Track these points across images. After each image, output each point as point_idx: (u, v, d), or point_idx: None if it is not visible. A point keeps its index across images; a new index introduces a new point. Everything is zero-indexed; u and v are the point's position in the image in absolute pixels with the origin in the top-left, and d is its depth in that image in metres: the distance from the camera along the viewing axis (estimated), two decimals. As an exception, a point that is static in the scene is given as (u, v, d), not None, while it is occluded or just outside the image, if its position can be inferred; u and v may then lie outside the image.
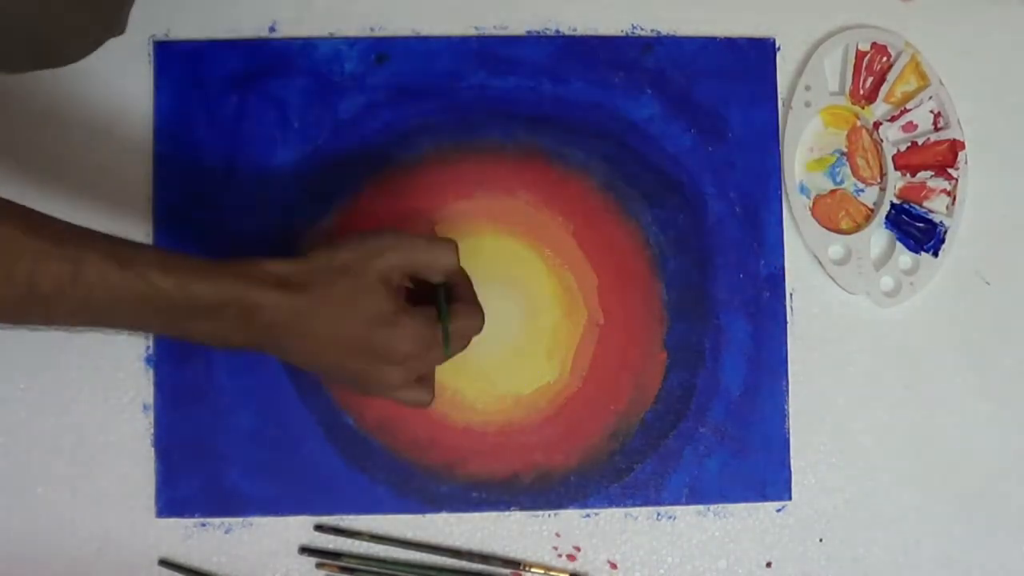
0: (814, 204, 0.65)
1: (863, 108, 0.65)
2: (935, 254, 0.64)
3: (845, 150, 0.65)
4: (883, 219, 0.65)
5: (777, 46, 0.66)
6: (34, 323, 0.49)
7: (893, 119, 0.65)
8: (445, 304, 0.53)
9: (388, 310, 0.51)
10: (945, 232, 0.64)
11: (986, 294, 0.65)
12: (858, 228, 0.65)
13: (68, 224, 0.48)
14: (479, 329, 0.55)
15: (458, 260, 0.54)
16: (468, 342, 0.55)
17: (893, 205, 0.64)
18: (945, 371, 0.65)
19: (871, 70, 0.65)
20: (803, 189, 0.65)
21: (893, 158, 0.65)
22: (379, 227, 0.53)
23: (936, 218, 0.64)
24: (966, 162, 0.65)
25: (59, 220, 0.48)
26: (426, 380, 0.55)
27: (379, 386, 0.53)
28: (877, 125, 0.65)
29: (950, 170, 0.65)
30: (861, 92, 0.65)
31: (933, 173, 0.65)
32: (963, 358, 0.65)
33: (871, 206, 0.65)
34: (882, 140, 0.65)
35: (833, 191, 0.65)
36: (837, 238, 0.64)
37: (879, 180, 0.65)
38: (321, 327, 0.50)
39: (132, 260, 0.48)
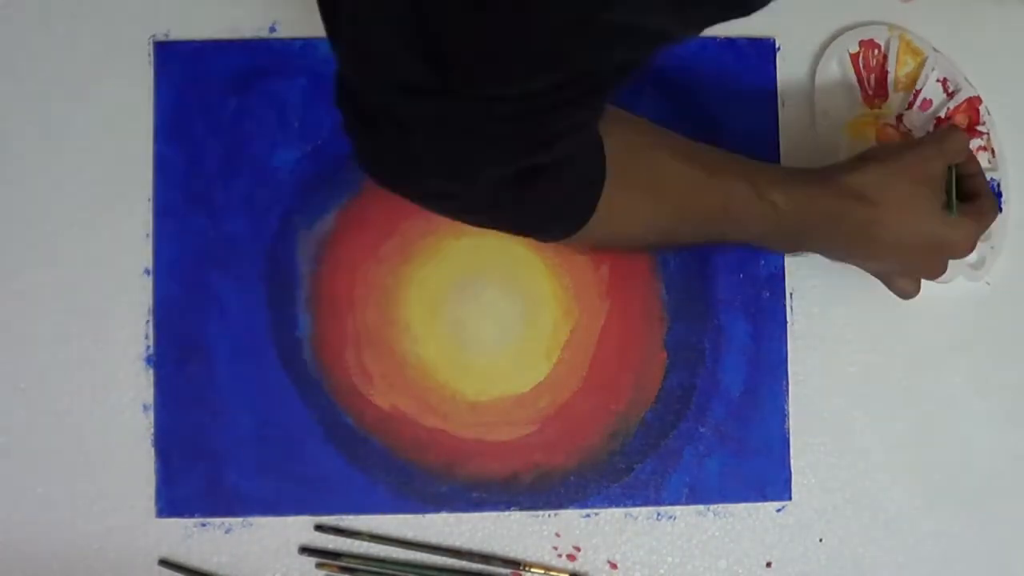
0: None
1: (880, 107, 0.65)
2: (999, 209, 0.63)
3: None
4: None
5: (777, 46, 0.66)
6: (678, 241, 0.60)
7: (911, 105, 0.65)
8: (954, 189, 0.58)
9: (946, 214, 0.57)
10: (999, 185, 0.65)
11: (986, 294, 0.65)
12: None
13: (712, 149, 0.57)
14: (995, 218, 0.59)
15: (968, 142, 0.59)
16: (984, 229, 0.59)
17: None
18: (945, 371, 0.65)
19: (869, 68, 0.65)
20: None
21: None
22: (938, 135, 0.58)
23: (986, 175, 0.64)
24: (988, 113, 0.65)
25: (701, 147, 0.57)
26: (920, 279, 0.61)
27: (928, 273, 0.59)
28: (900, 118, 0.65)
29: (978, 127, 0.65)
30: (871, 92, 0.65)
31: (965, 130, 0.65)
32: (963, 358, 0.65)
33: None
34: (909, 129, 0.65)
35: None
36: None
37: None
38: (892, 233, 0.56)
39: (763, 185, 0.55)
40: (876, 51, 0.65)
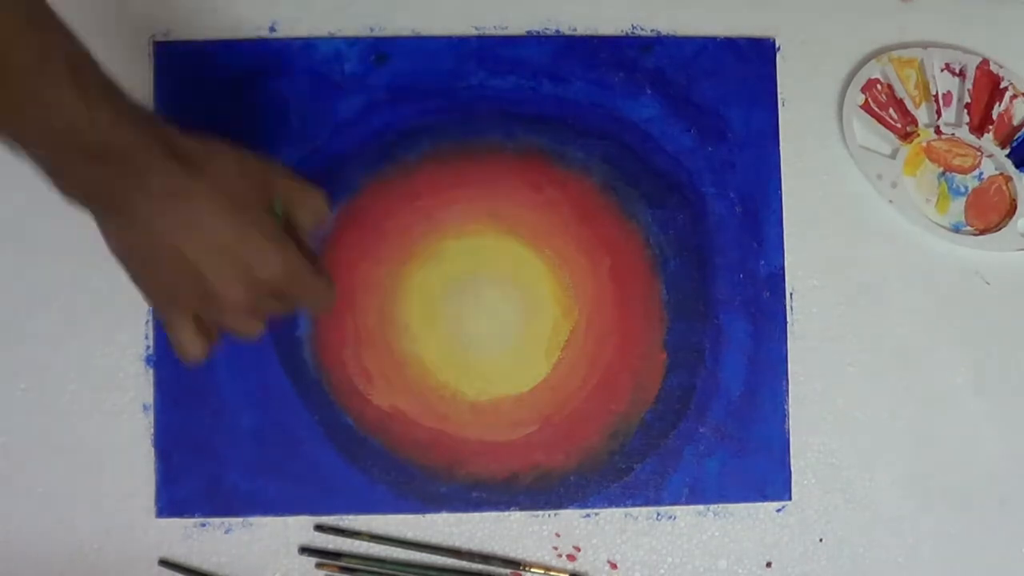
0: (969, 221, 0.65)
1: (917, 132, 0.65)
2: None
3: (939, 169, 0.65)
4: (1017, 171, 0.65)
5: (777, 46, 0.66)
6: None
7: (939, 112, 0.65)
8: (279, 209, 0.51)
9: (277, 227, 0.49)
10: None
11: (986, 294, 0.65)
12: (1013, 201, 0.65)
13: (51, 12, 0.45)
14: (326, 303, 0.53)
15: (327, 211, 0.53)
16: (300, 305, 0.52)
17: (1010, 153, 0.65)
18: (945, 371, 0.65)
19: (883, 106, 0.66)
20: (957, 226, 0.65)
21: (968, 128, 0.65)
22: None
23: None
24: (1002, 66, 0.65)
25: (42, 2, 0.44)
26: (210, 334, 0.51)
27: (224, 294, 0.48)
28: (938, 130, 0.65)
29: (1000, 86, 0.65)
30: (901, 125, 0.66)
31: (990, 98, 0.65)
32: (963, 358, 0.65)
33: (1002, 173, 0.65)
34: (952, 133, 0.65)
35: (969, 199, 0.65)
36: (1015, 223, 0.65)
37: (979, 153, 0.65)
38: (205, 215, 0.46)
39: (87, 75, 0.44)
40: (879, 87, 0.65)
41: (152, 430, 0.62)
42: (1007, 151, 0.65)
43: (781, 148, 0.65)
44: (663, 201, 0.64)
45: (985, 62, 0.65)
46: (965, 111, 0.65)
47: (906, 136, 0.66)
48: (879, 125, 0.65)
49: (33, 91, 0.43)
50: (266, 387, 0.63)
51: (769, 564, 0.63)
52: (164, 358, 0.63)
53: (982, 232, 0.65)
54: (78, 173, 0.45)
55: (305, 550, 0.62)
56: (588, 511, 0.63)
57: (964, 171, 0.66)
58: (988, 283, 0.65)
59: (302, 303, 0.53)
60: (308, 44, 0.64)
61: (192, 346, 0.50)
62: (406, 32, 0.65)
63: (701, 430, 0.63)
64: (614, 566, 0.63)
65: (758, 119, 0.65)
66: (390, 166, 0.64)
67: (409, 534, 0.63)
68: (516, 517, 0.63)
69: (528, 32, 0.65)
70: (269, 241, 0.48)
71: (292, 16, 0.65)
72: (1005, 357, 0.65)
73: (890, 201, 0.65)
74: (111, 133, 0.44)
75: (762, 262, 0.64)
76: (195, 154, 0.47)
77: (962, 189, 0.65)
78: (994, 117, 0.65)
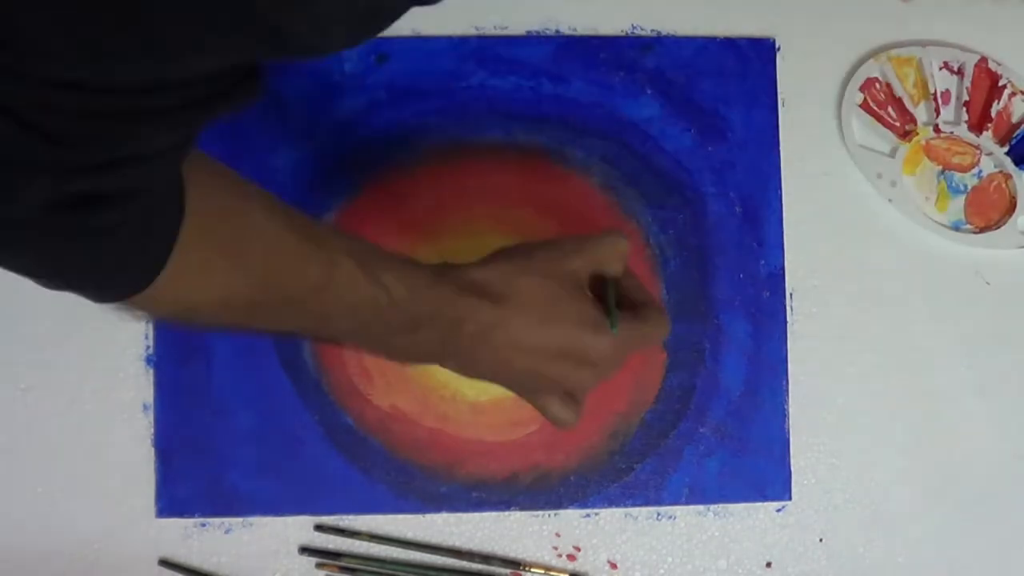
0: (968, 219, 0.65)
1: (915, 130, 0.65)
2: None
3: (938, 167, 0.65)
4: (1016, 168, 0.65)
5: (777, 46, 0.66)
6: (266, 327, 0.48)
7: (937, 110, 0.65)
8: (612, 295, 0.52)
9: (589, 311, 0.50)
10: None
11: (987, 293, 0.65)
12: (1012, 199, 0.65)
13: (315, 222, 0.48)
14: (665, 333, 0.53)
15: (628, 245, 0.53)
16: (652, 344, 0.54)
17: (1008, 151, 0.65)
18: (945, 371, 0.65)
19: (882, 104, 0.66)
20: (957, 225, 0.65)
21: (967, 126, 0.65)
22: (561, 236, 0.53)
23: None
24: (999, 63, 0.65)
25: (304, 216, 0.47)
26: (578, 401, 0.52)
27: (569, 388, 0.51)
28: (937, 128, 0.65)
29: (999, 84, 0.65)
30: (899, 124, 0.66)
31: (989, 96, 0.65)
32: (963, 358, 0.65)
33: (1001, 171, 0.65)
34: (951, 132, 0.65)
35: (969, 197, 0.65)
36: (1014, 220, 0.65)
37: (978, 151, 0.65)
38: (523, 335, 0.49)
39: (374, 264, 0.47)
40: (878, 86, 0.66)
41: (152, 430, 0.62)
42: (1006, 149, 0.65)
43: (781, 148, 0.65)
44: (663, 201, 0.64)
45: (983, 60, 0.65)
46: (964, 109, 0.65)
47: (905, 135, 0.66)
48: (878, 124, 0.66)
49: (336, 297, 0.46)
50: (266, 387, 0.63)
51: (769, 564, 0.63)
52: (164, 358, 0.63)
53: (982, 230, 0.65)
54: (400, 347, 0.50)
55: (305, 550, 0.62)
56: (588, 511, 0.63)
57: (963, 169, 0.66)
58: (988, 283, 0.65)
59: (644, 347, 0.54)
60: (308, 44, 0.64)
61: (564, 414, 0.52)
62: (406, 32, 0.65)
63: (701, 430, 0.63)
64: (614, 566, 0.63)
65: (758, 119, 0.65)
66: (390, 166, 0.64)
67: (409, 534, 0.63)
68: (516, 517, 0.63)
69: (528, 32, 0.65)
70: (588, 332, 0.49)
71: (292, 16, 0.65)
72: (1005, 356, 0.65)
73: (889, 200, 0.65)
74: (412, 305, 0.47)
75: (762, 262, 0.64)
76: (493, 284, 0.49)
77: (961, 187, 0.65)
78: (993, 115, 0.65)
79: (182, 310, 0.44)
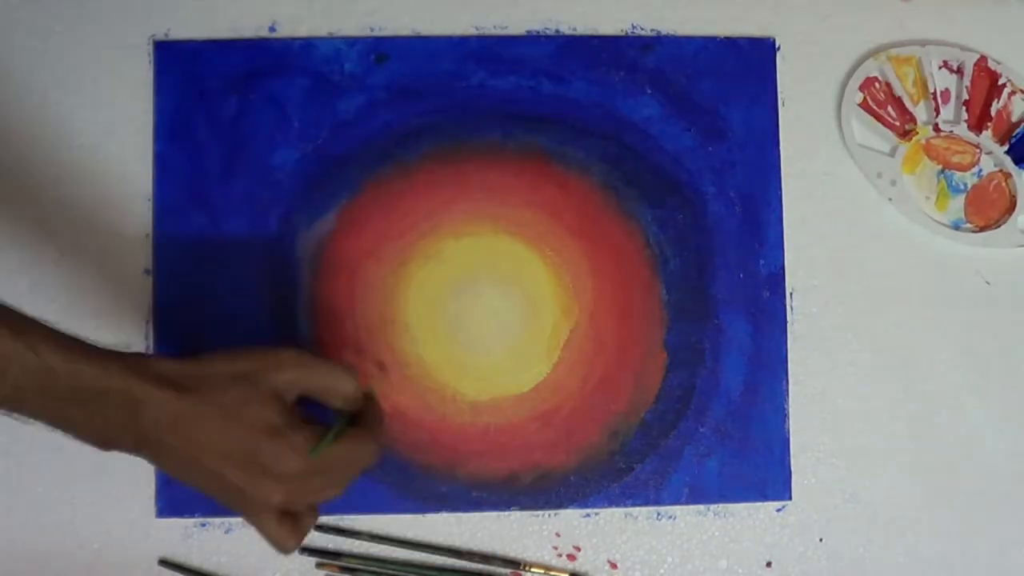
0: (969, 218, 0.65)
1: (915, 129, 0.65)
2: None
3: (938, 166, 0.65)
4: (1016, 167, 0.65)
5: (777, 46, 0.66)
6: None
7: (936, 110, 0.65)
8: (336, 428, 0.51)
9: (280, 422, 0.49)
10: None
11: (986, 294, 0.65)
12: (1012, 198, 0.65)
13: None
14: (368, 461, 0.52)
15: (358, 389, 0.52)
16: (355, 472, 0.52)
17: (1008, 150, 0.65)
18: (945, 371, 0.64)
19: (882, 103, 0.66)
20: (957, 224, 0.65)
21: (966, 125, 0.65)
22: (280, 346, 0.52)
23: None
24: (999, 62, 0.65)
25: None
26: (300, 522, 0.51)
27: (257, 504, 0.50)
28: (936, 127, 0.65)
29: (998, 83, 0.65)
30: (899, 123, 0.66)
31: (988, 95, 0.65)
32: (963, 358, 0.65)
33: (1001, 169, 0.65)
34: (951, 131, 0.65)
35: (969, 196, 0.65)
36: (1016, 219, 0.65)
37: (978, 150, 0.65)
38: (206, 432, 0.48)
39: (25, 331, 0.46)
40: (877, 85, 0.66)
41: (152, 430, 0.62)
42: (1006, 148, 0.65)
43: (781, 148, 0.65)
44: (663, 201, 0.64)
45: (983, 59, 0.65)
46: (963, 108, 0.65)
47: (905, 134, 0.66)
48: (878, 123, 0.66)
49: (15, 365, 0.45)
50: (266, 387, 0.62)
51: (769, 564, 0.63)
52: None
53: (982, 229, 0.65)
54: (79, 421, 0.48)
55: (305, 550, 0.62)
56: (588, 511, 0.63)
57: (963, 168, 0.66)
58: (988, 283, 0.65)
59: (349, 470, 0.52)
60: (308, 44, 0.64)
61: (279, 535, 0.51)
62: (406, 32, 0.65)
63: (701, 430, 0.63)
64: (614, 566, 0.63)
65: (758, 119, 0.65)
66: (390, 166, 0.64)
67: (409, 534, 0.63)
68: (516, 517, 0.63)
69: (528, 32, 0.65)
70: (269, 442, 0.49)
71: (292, 16, 0.65)
72: (1005, 356, 0.65)
73: (889, 199, 0.65)
74: (73, 376, 0.46)
75: (762, 262, 0.64)
76: (184, 377, 0.49)
77: (961, 186, 0.65)
78: (992, 114, 0.65)
79: None
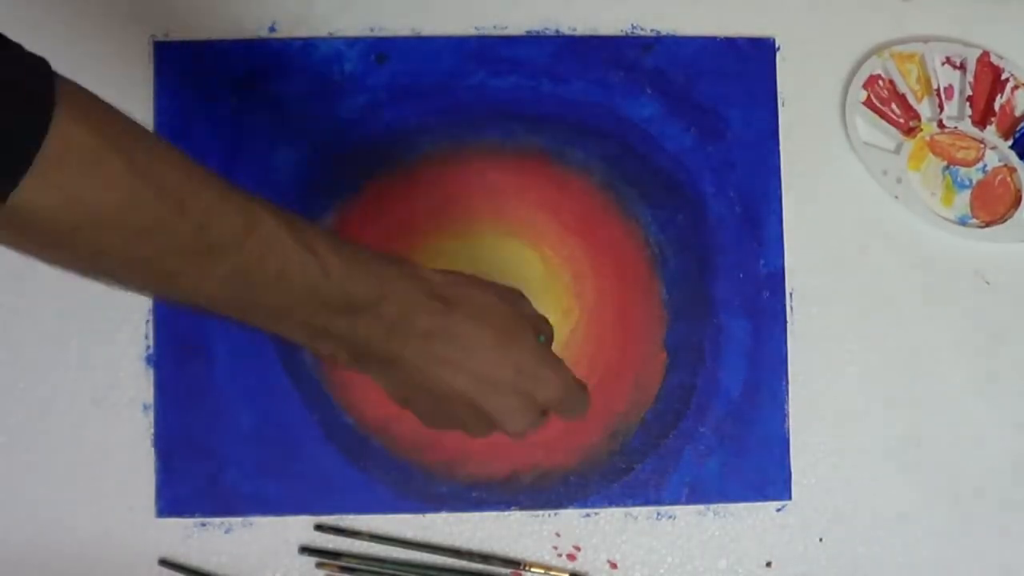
0: (975, 213, 0.65)
1: (920, 126, 0.65)
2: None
3: (943, 162, 0.65)
4: (1021, 162, 0.65)
5: (777, 46, 0.66)
6: (187, 286, 0.40)
7: (940, 106, 0.65)
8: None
9: (545, 349, 0.48)
10: None
11: (986, 294, 0.65)
12: (1018, 192, 0.65)
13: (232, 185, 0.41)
14: (586, 407, 0.51)
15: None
16: (575, 416, 0.51)
17: (1013, 144, 0.65)
18: (945, 371, 0.64)
19: (886, 101, 0.66)
20: (963, 219, 0.65)
21: (970, 121, 0.65)
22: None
23: None
24: (1002, 57, 0.65)
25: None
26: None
27: (509, 425, 0.47)
28: (941, 124, 0.65)
29: (1002, 78, 0.65)
30: (904, 120, 0.66)
31: (991, 90, 0.65)
32: (963, 358, 0.65)
33: (1006, 164, 0.65)
34: (955, 127, 0.65)
35: (974, 192, 0.65)
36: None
37: (982, 145, 0.65)
38: (471, 347, 0.45)
39: (304, 230, 0.42)
40: (881, 82, 0.66)
41: (152, 430, 0.62)
42: (1010, 142, 0.65)
43: (781, 148, 0.65)
44: (663, 201, 0.64)
45: (986, 54, 0.65)
46: (967, 104, 0.65)
47: (909, 131, 0.66)
48: (882, 121, 0.66)
49: (259, 259, 0.40)
50: (266, 387, 0.63)
51: (769, 564, 0.63)
52: (164, 358, 0.63)
53: (988, 224, 0.65)
54: (338, 333, 0.44)
55: (305, 550, 0.62)
56: (588, 511, 0.63)
57: (968, 164, 0.66)
58: (988, 283, 0.65)
59: (565, 413, 0.50)
60: (308, 44, 0.64)
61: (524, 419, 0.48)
62: (406, 32, 0.65)
63: (701, 430, 0.63)
64: (614, 566, 0.63)
65: (758, 119, 0.65)
66: (390, 166, 0.64)
67: (409, 534, 0.63)
68: (516, 517, 0.63)
69: (528, 32, 0.65)
70: (545, 367, 0.47)
71: (292, 16, 0.65)
72: (1008, 354, 0.65)
73: (896, 197, 0.65)
74: (350, 282, 0.43)
75: (762, 262, 0.64)
76: (448, 289, 0.46)
77: (966, 182, 0.65)
78: (996, 109, 0.65)
79: (65, 229, 0.36)
